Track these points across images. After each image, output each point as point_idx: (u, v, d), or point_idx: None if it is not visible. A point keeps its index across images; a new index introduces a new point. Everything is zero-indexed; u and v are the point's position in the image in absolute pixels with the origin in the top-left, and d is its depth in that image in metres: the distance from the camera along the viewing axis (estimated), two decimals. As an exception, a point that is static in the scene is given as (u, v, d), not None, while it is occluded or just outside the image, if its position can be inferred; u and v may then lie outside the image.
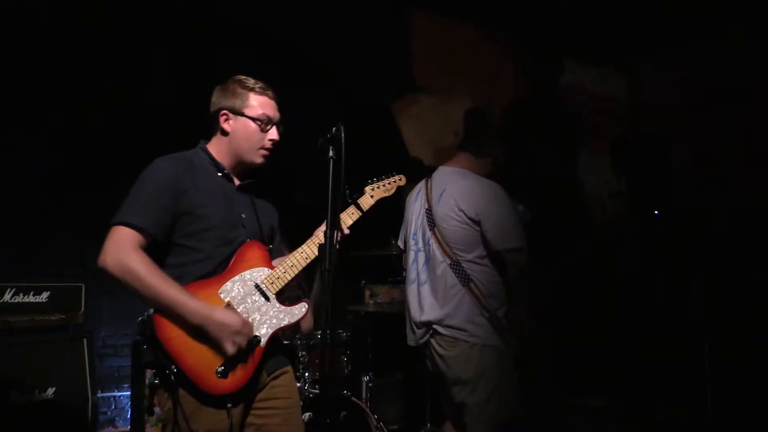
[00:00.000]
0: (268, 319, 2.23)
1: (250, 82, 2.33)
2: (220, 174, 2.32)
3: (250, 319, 2.18)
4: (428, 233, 3.06)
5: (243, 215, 2.31)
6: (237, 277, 2.22)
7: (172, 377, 2.04)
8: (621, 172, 6.04)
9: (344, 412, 3.93)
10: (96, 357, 4.08)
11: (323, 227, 2.31)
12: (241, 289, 2.21)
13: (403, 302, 3.36)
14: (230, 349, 2.08)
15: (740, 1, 4.70)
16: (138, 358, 4.07)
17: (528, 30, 5.64)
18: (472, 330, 2.89)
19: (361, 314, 4.44)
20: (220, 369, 2.08)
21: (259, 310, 2.23)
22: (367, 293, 4.53)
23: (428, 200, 3.09)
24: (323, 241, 2.15)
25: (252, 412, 2.23)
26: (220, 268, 2.21)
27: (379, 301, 4.51)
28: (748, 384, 4.33)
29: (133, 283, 2.03)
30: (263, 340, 2.20)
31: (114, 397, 4.57)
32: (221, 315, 2.09)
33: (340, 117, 2.19)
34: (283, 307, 2.27)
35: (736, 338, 4.45)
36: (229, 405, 2.09)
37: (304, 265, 2.32)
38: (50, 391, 3.60)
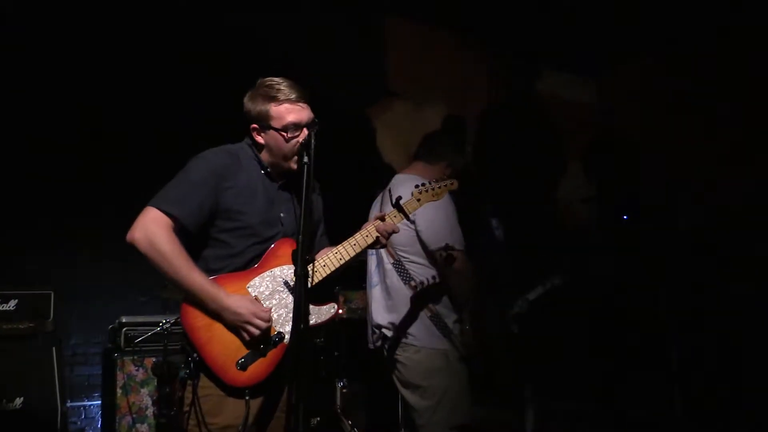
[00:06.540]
0: None
1: (273, 90, 2.28)
2: (263, 172, 2.34)
3: (275, 315, 2.20)
4: None
5: (282, 214, 2.33)
6: (267, 273, 2.24)
7: (192, 365, 2.10)
8: (592, 177, 6.13)
9: (317, 419, 3.94)
10: (66, 366, 4.03)
11: (367, 226, 2.35)
12: (269, 285, 2.23)
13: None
14: (245, 336, 2.12)
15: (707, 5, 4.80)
16: (109, 366, 4.03)
17: (501, 37, 5.70)
18: (417, 333, 2.96)
19: (335, 320, 4.42)
20: (240, 361, 2.11)
21: (285, 307, 2.22)
22: (341, 299, 4.53)
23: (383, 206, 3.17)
24: (364, 241, 2.29)
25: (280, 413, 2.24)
26: (252, 263, 2.25)
27: (353, 306, 4.51)
28: (713, 384, 4.42)
29: (157, 260, 2.08)
30: (287, 337, 2.18)
31: (84, 406, 4.50)
32: (232, 302, 2.11)
33: (316, 123, 2.21)
34: (311, 306, 2.22)
35: (704, 340, 4.54)
36: (247, 397, 2.12)
37: (337, 266, 2.31)
38: (18, 401, 3.56)
